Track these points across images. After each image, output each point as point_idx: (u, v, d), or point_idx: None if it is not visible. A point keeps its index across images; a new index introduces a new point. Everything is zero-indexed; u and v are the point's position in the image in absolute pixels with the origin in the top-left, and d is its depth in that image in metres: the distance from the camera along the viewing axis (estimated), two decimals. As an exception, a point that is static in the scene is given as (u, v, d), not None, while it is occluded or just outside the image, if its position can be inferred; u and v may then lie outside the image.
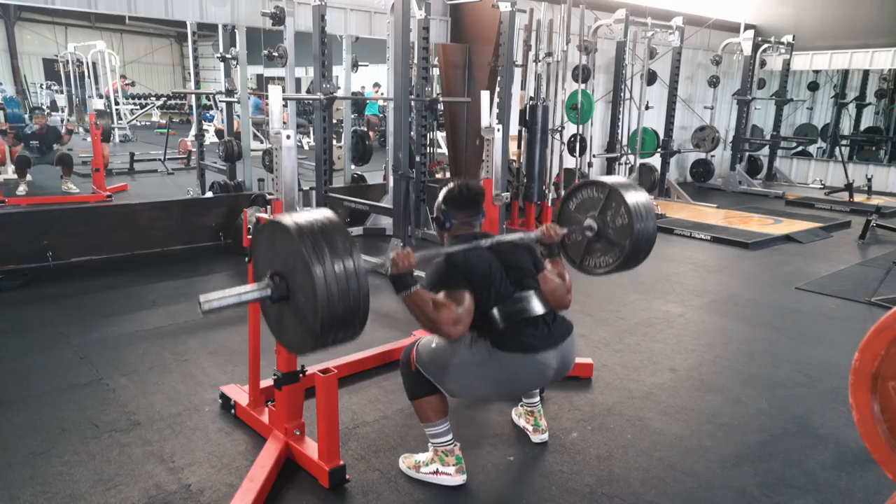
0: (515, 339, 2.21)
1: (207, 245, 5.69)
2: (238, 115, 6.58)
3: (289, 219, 1.76)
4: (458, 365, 2.24)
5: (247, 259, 2.55)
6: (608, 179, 2.71)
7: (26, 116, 8.94)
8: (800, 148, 11.76)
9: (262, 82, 15.71)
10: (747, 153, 10.63)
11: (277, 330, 1.96)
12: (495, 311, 2.22)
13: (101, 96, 11.34)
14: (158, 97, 16.53)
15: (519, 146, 6.94)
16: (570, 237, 2.81)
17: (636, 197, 2.63)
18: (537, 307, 2.28)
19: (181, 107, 16.01)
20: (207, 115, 10.95)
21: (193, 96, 7.40)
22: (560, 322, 2.34)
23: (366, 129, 12.95)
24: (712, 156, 10.23)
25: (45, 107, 12.56)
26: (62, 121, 13.05)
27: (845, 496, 2.39)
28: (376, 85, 12.98)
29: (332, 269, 1.68)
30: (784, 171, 11.14)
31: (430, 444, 2.41)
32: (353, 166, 7.08)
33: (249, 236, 2.51)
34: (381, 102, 12.31)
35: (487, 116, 3.66)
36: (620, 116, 8.26)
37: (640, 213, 2.59)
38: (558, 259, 2.54)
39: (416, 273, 2.10)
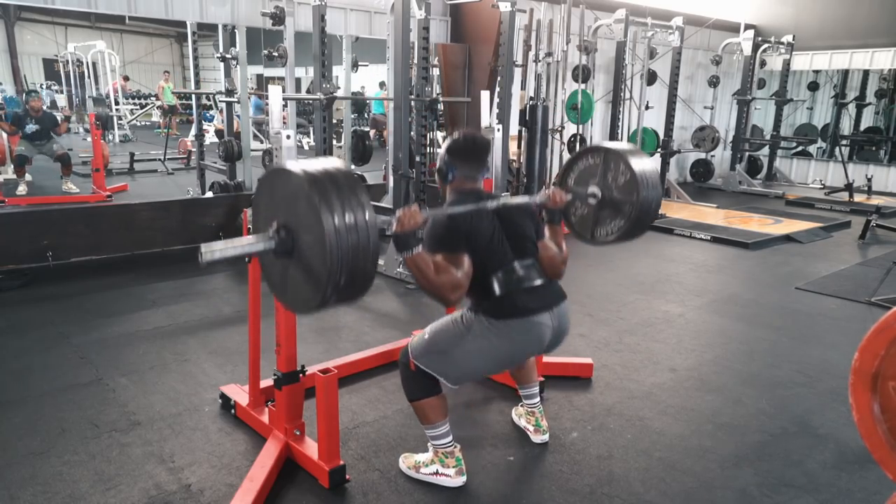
0: (512, 304, 2.20)
1: (207, 245, 5.68)
2: (238, 115, 6.58)
3: (297, 166, 1.65)
4: (456, 346, 2.23)
5: (247, 260, 2.55)
6: (601, 143, 2.68)
7: (24, 98, 8.85)
8: (800, 148, 11.76)
9: (262, 82, 15.71)
10: (747, 153, 10.62)
11: (280, 287, 1.85)
12: (494, 280, 2.20)
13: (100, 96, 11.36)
14: (157, 97, 16.52)
15: (519, 146, 6.94)
16: (576, 213, 2.76)
17: (631, 152, 2.60)
18: (535, 277, 2.28)
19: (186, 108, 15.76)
20: (207, 115, 10.96)
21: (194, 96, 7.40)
22: (555, 289, 2.34)
23: (369, 129, 12.96)
24: (712, 156, 10.23)
25: (45, 107, 12.56)
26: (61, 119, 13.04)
27: (845, 496, 2.39)
28: (382, 84, 13.03)
29: (344, 226, 1.57)
30: (784, 171, 11.14)
31: (430, 445, 2.41)
32: (353, 166, 7.08)
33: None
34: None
35: (487, 116, 3.66)
36: (620, 116, 8.26)
37: (644, 172, 2.55)
38: (558, 227, 2.50)
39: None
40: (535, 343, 2.29)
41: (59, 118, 7.83)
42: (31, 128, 7.20)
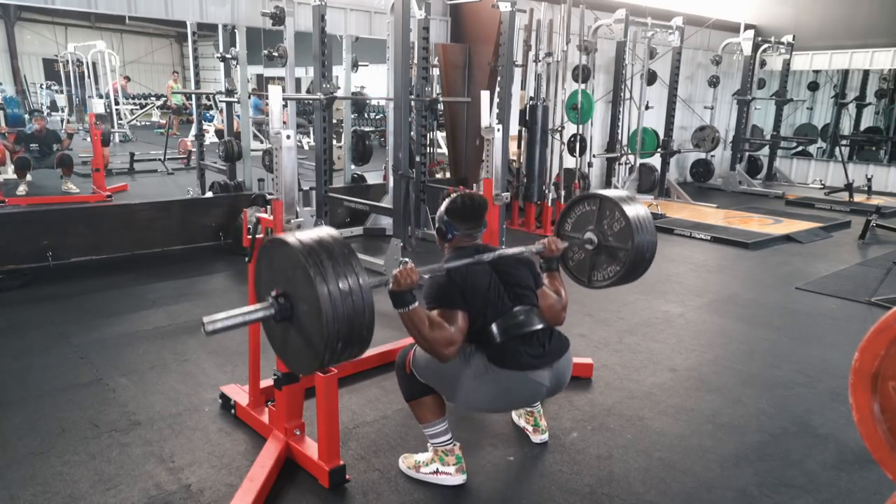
0: (512, 356, 2.21)
1: (207, 245, 5.69)
2: (238, 115, 6.57)
3: (292, 237, 1.74)
4: (455, 376, 2.24)
5: (247, 259, 2.55)
6: (597, 191, 2.71)
7: (26, 117, 8.95)
8: (800, 148, 11.76)
9: (262, 82, 15.70)
10: (747, 153, 10.62)
11: (282, 349, 1.94)
12: (494, 327, 2.22)
13: (101, 96, 11.34)
14: (159, 97, 16.52)
15: (519, 146, 6.94)
16: (573, 257, 2.80)
17: (626, 200, 2.63)
18: (535, 322, 2.28)
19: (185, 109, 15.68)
20: (207, 115, 10.95)
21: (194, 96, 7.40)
22: (556, 339, 2.34)
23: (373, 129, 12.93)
24: (712, 156, 10.23)
25: (45, 107, 12.58)
26: (62, 121, 13.11)
27: (845, 496, 2.39)
28: None
29: (337, 289, 1.65)
30: (784, 171, 11.13)
31: (429, 444, 2.41)
32: (353, 166, 7.08)
33: (249, 236, 2.52)
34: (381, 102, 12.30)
35: (487, 116, 3.66)
36: (620, 116, 8.26)
37: (638, 220, 2.58)
38: (556, 274, 2.54)
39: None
40: (530, 398, 2.37)
41: (62, 135, 7.85)
42: (33, 146, 7.35)
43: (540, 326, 2.29)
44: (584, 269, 2.77)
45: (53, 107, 14.11)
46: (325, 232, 1.78)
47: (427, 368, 2.30)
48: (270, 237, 1.89)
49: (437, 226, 2.45)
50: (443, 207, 2.42)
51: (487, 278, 2.27)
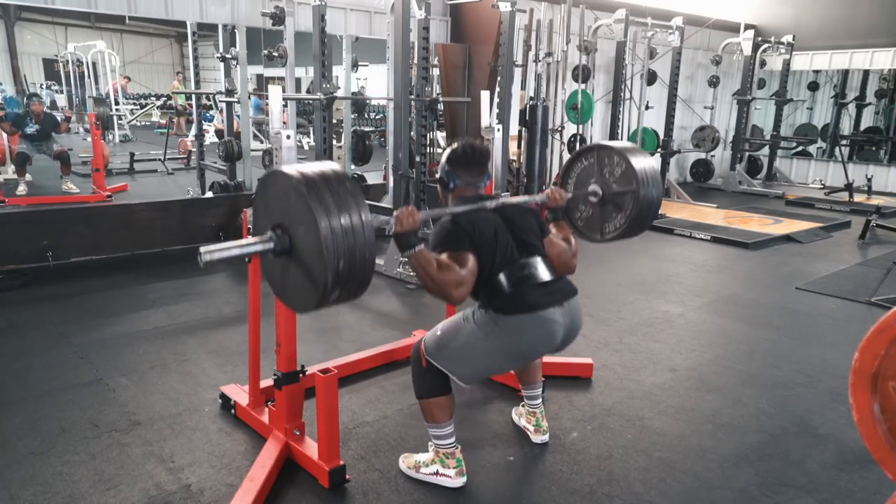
0: (521, 300, 2.19)
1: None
2: (238, 115, 6.58)
3: (293, 169, 1.69)
4: (467, 343, 2.23)
5: (247, 259, 2.55)
6: (591, 144, 2.72)
7: (24, 101, 8.93)
8: (800, 148, 11.76)
9: (262, 82, 15.71)
10: (747, 153, 10.63)
11: (279, 287, 1.89)
12: (501, 277, 2.20)
13: (101, 96, 11.35)
14: (158, 97, 16.54)
15: (519, 146, 6.94)
16: (581, 216, 2.80)
17: (623, 147, 2.66)
18: (543, 273, 2.27)
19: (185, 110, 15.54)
20: (207, 115, 10.95)
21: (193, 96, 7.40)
22: (565, 280, 2.33)
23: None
24: (712, 156, 10.23)
25: (42, 90, 12.58)
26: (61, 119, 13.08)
27: (845, 496, 2.39)
28: None
29: (339, 223, 1.59)
30: (784, 171, 11.14)
31: (431, 445, 2.41)
32: (353, 166, 7.08)
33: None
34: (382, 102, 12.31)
35: (487, 116, 3.66)
36: (620, 116, 8.26)
37: (640, 162, 2.60)
38: (563, 223, 2.53)
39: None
40: (547, 339, 2.26)
41: (59, 118, 7.85)
42: (31, 130, 7.26)
43: (549, 278, 2.27)
44: (595, 224, 2.78)
45: (53, 107, 14.13)
46: (327, 165, 1.74)
47: (440, 350, 2.28)
48: (273, 170, 1.84)
49: (439, 176, 2.41)
50: (444, 157, 2.39)
51: (493, 226, 2.25)
